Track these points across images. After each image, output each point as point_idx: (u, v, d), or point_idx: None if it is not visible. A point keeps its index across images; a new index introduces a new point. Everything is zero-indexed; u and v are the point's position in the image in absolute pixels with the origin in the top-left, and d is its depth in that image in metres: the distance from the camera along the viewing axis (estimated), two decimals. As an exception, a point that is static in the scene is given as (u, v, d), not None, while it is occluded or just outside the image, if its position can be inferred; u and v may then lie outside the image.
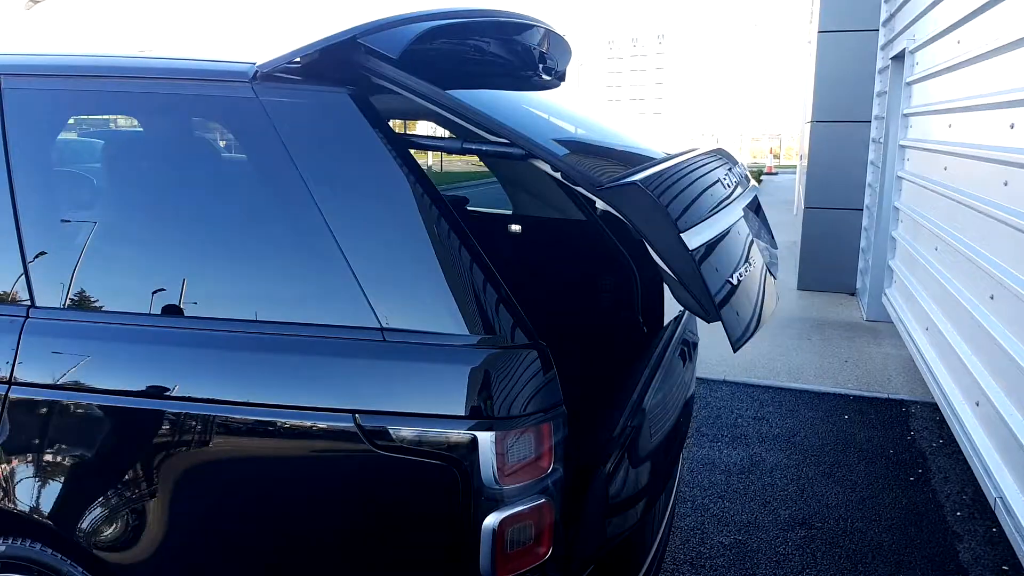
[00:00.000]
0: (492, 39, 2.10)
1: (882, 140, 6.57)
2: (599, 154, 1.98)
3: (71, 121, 1.79)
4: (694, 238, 1.58)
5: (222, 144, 1.71)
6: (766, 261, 2.14)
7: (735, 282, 1.71)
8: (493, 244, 3.04)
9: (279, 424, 1.49)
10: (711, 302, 1.56)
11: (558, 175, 1.62)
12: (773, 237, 2.52)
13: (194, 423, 1.54)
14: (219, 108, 1.63)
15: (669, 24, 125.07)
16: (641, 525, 2.10)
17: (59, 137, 1.75)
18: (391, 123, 2.33)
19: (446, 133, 2.93)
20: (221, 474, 1.55)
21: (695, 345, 2.80)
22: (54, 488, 1.61)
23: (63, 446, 1.62)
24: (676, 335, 2.56)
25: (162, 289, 1.61)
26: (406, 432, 1.44)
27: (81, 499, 1.60)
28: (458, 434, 1.44)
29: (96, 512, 1.59)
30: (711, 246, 1.65)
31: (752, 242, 2.01)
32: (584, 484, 1.76)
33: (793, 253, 8.29)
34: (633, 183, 1.56)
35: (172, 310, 1.61)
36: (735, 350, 1.61)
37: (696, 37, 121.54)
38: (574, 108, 2.26)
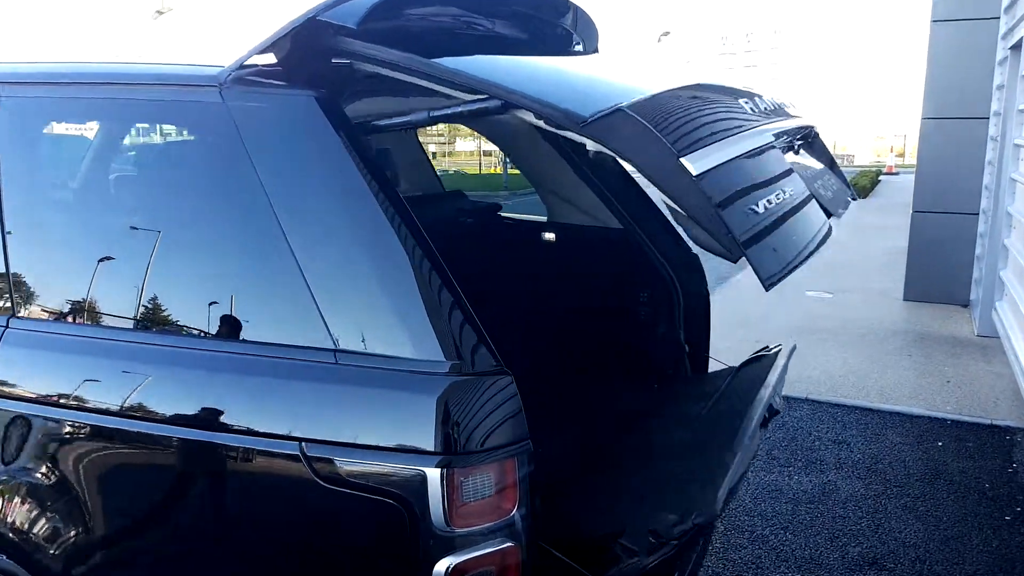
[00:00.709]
0: (499, 18, 1.97)
1: (999, 138, 5.99)
2: (592, 96, 1.73)
3: (46, 129, 1.79)
4: (698, 162, 1.40)
5: (193, 151, 1.66)
6: (814, 191, 1.87)
7: (761, 210, 1.50)
8: (525, 251, 2.92)
9: (219, 447, 1.42)
10: (728, 234, 1.36)
11: (541, 123, 1.48)
12: (839, 174, 2.22)
13: (132, 440, 1.48)
14: (187, 114, 1.58)
15: (785, 19, 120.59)
16: None
17: (33, 144, 1.76)
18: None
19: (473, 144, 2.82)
20: (155, 494, 1.50)
21: (777, 413, 2.49)
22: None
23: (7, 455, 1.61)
24: (763, 402, 2.25)
25: (107, 298, 1.58)
26: (353, 465, 1.34)
27: (20, 507, 1.59)
28: (406, 469, 1.32)
29: (32, 521, 1.57)
30: (724, 171, 1.46)
31: (789, 170, 1.77)
32: (611, 559, 1.60)
33: (902, 260, 7.70)
34: (618, 110, 1.42)
35: (115, 321, 1.57)
36: (767, 288, 1.40)
37: (814, 31, 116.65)
38: (589, 67, 2.06)
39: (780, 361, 2.40)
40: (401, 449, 1.33)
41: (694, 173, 1.37)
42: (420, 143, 3.38)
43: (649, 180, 1.41)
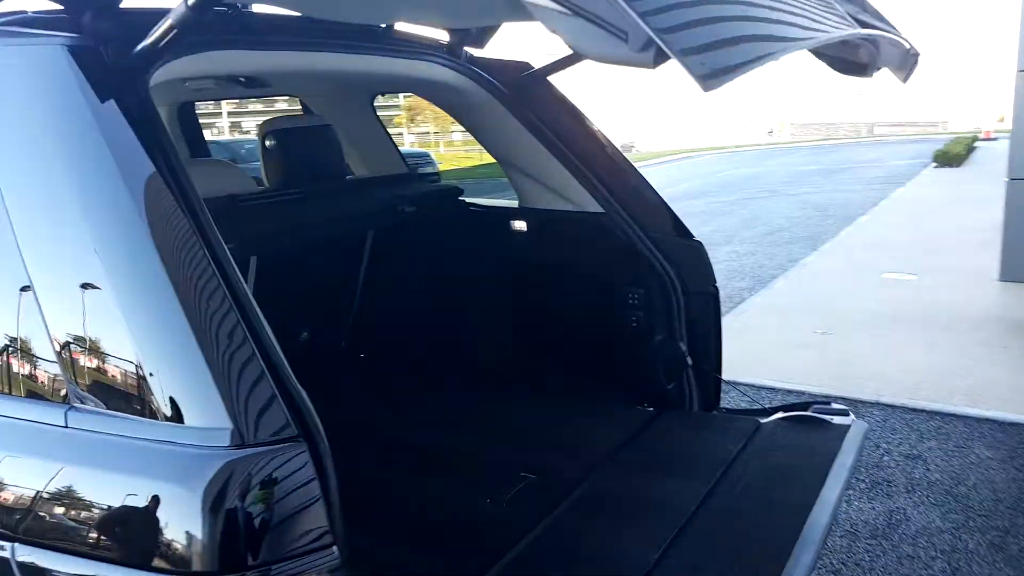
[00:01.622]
0: None
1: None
2: None
3: None
4: None
5: None
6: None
7: None
8: (490, 244, 2.43)
9: None
10: (624, 11, 0.86)
11: None
12: (892, 30, 1.66)
13: None
14: None
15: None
16: None
17: None
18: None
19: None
20: None
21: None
22: None
23: None
24: (826, 519, 1.71)
25: None
26: None
27: None
28: None
29: None
30: None
31: None
32: None
33: (999, 235, 6.81)
34: None
35: None
36: (705, 88, 0.89)
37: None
38: None
39: (848, 458, 1.83)
40: (145, 565, 0.90)
41: None
42: (377, 116, 2.93)
43: None
